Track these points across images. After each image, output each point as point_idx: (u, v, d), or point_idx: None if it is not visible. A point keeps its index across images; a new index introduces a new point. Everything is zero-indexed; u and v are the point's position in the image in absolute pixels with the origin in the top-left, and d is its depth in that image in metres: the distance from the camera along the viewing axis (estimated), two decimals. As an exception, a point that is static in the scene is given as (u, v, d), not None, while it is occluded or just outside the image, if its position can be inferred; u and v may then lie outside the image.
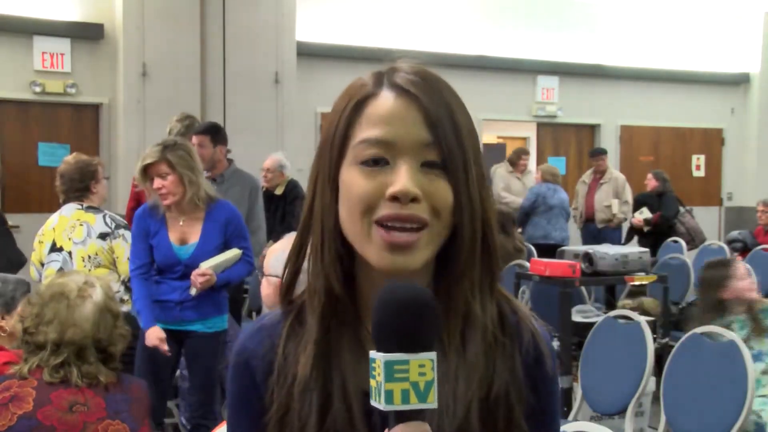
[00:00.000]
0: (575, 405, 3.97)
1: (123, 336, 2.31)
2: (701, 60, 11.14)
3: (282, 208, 5.90)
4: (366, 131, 0.92)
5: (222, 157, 4.69)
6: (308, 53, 8.58)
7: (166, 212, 3.53)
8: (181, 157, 3.46)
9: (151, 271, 3.56)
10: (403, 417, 0.83)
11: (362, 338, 0.95)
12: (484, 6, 9.95)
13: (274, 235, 5.14)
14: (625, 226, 8.56)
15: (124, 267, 3.87)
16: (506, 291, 1.02)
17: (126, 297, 3.90)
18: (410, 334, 0.83)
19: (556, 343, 4.39)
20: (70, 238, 3.89)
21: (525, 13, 10.13)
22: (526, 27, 10.14)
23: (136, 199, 4.55)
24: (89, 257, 3.87)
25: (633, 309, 4.46)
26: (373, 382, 0.85)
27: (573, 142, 10.88)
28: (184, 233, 3.54)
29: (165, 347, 3.41)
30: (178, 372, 3.94)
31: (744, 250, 7.57)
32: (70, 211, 3.96)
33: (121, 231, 3.93)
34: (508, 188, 8.39)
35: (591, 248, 4.89)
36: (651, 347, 3.58)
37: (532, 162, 9.52)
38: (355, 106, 0.94)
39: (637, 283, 4.93)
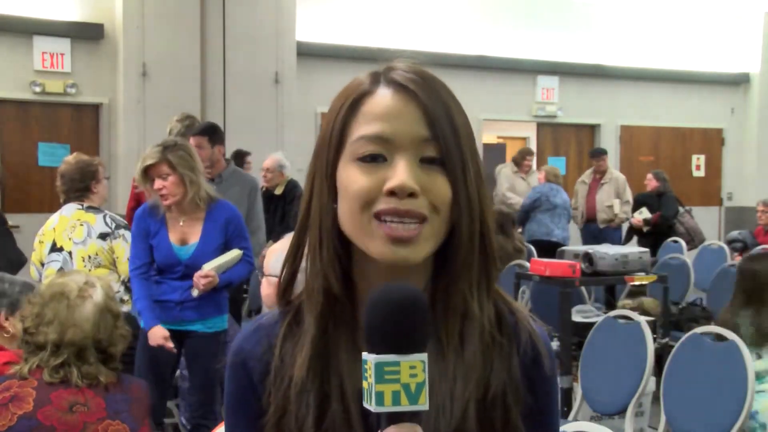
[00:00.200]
0: (575, 405, 3.97)
1: (123, 336, 2.31)
2: (701, 60, 11.14)
3: (282, 208, 5.90)
4: (363, 128, 0.92)
5: (220, 157, 4.69)
6: (308, 53, 8.58)
7: (166, 212, 3.53)
8: (181, 158, 3.46)
9: (150, 271, 3.56)
10: (395, 418, 0.83)
11: (359, 339, 0.94)
12: (484, 6, 9.95)
13: (273, 235, 5.14)
14: (625, 227, 8.57)
15: (124, 267, 3.87)
16: (504, 292, 1.02)
17: (126, 297, 3.90)
18: (401, 336, 0.83)
19: (555, 343, 4.39)
20: (70, 238, 3.89)
21: (525, 13, 10.13)
22: (526, 27, 10.15)
23: (136, 199, 4.55)
24: (89, 257, 3.87)
25: (633, 309, 4.46)
26: (365, 383, 0.84)
27: (573, 142, 10.88)
28: (185, 233, 3.54)
29: (170, 345, 3.43)
30: (178, 372, 3.94)
31: (744, 250, 7.56)
32: (70, 211, 3.96)
33: (122, 231, 3.93)
34: (513, 188, 8.38)
35: (591, 248, 4.89)
36: (651, 347, 3.58)
37: (533, 165, 9.52)
38: (351, 104, 0.94)
39: (637, 283, 4.92)
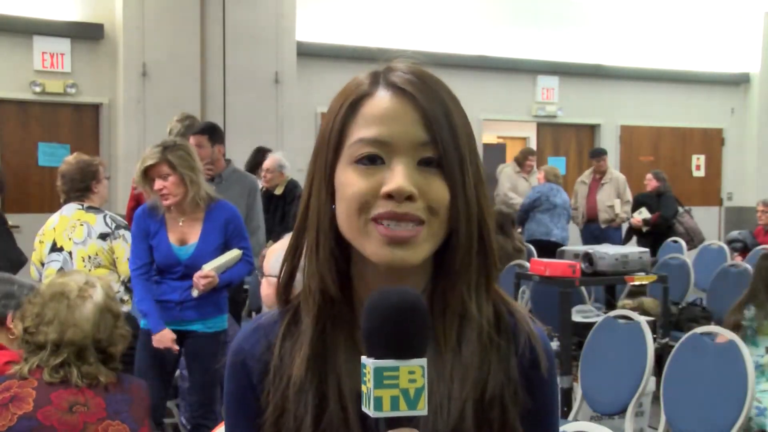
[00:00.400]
0: (575, 405, 3.97)
1: (123, 336, 2.31)
2: (701, 60, 11.14)
3: (281, 208, 5.90)
4: (362, 130, 0.92)
5: (220, 157, 4.70)
6: (308, 53, 8.58)
7: (166, 213, 3.53)
8: (181, 158, 3.46)
9: (152, 271, 3.57)
10: (393, 423, 0.83)
11: (357, 340, 0.94)
12: (484, 6, 9.95)
13: (273, 236, 5.13)
14: (625, 227, 8.57)
15: (124, 267, 3.88)
16: (503, 292, 1.02)
17: (126, 297, 3.90)
18: (400, 340, 0.83)
19: (556, 343, 4.39)
20: (70, 238, 3.89)
21: (525, 13, 10.13)
22: (526, 27, 10.15)
23: (136, 200, 4.55)
24: (89, 257, 3.87)
25: (633, 309, 4.46)
26: (363, 388, 0.84)
27: (573, 142, 10.88)
28: (184, 234, 3.54)
29: (176, 347, 3.47)
30: (178, 372, 3.94)
31: (744, 250, 7.57)
32: (70, 211, 3.96)
33: (122, 231, 3.93)
34: (515, 188, 8.38)
35: (591, 248, 4.89)
36: (651, 347, 3.58)
37: (535, 165, 9.52)
38: (350, 105, 0.94)
39: (637, 283, 4.93)
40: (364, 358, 0.84)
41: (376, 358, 0.83)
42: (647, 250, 5.05)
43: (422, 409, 0.82)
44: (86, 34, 7.85)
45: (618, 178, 8.46)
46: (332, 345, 0.96)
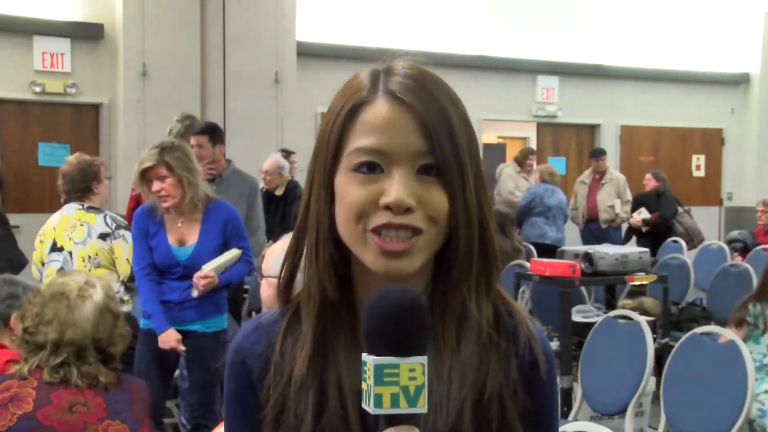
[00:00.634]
0: (575, 405, 3.97)
1: (123, 336, 2.31)
2: (701, 60, 11.14)
3: (282, 208, 5.90)
4: (360, 139, 0.92)
5: (221, 157, 4.69)
6: (308, 53, 8.58)
7: (164, 213, 3.53)
8: (179, 159, 3.45)
9: (155, 270, 3.57)
10: (393, 420, 0.83)
11: (358, 338, 0.94)
12: (484, 6, 9.96)
13: (273, 236, 5.14)
14: (625, 226, 8.57)
15: (124, 267, 3.88)
16: (505, 292, 1.02)
17: (126, 297, 3.90)
18: (401, 338, 0.83)
19: (555, 343, 4.39)
20: (70, 238, 3.89)
21: (525, 13, 10.14)
22: (526, 27, 10.15)
23: (136, 200, 4.55)
24: (89, 257, 3.87)
25: (633, 309, 4.46)
26: (364, 385, 0.84)
27: (573, 142, 10.88)
28: (183, 234, 3.54)
29: (182, 348, 3.47)
30: (178, 372, 3.94)
31: (744, 250, 7.57)
32: (71, 210, 3.97)
33: (122, 231, 3.93)
34: (518, 188, 8.37)
35: (591, 248, 4.89)
36: (651, 347, 3.58)
37: (534, 165, 9.52)
38: (349, 111, 0.93)
39: (637, 283, 4.93)
40: (364, 356, 0.85)
41: (377, 355, 0.83)
42: (647, 250, 5.05)
43: (422, 407, 0.83)
44: (86, 34, 7.85)
45: (618, 178, 8.46)
46: (333, 344, 0.96)
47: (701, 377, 3.33)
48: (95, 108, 8.05)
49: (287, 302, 1.02)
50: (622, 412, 3.56)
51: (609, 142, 10.72)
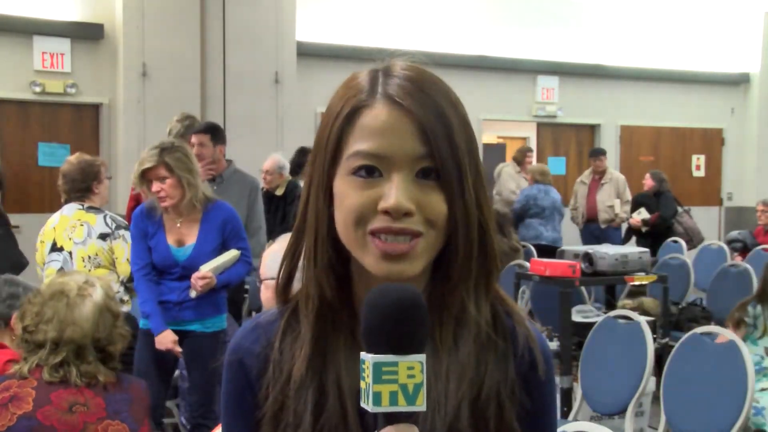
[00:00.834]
0: (575, 405, 3.97)
1: (122, 336, 2.31)
2: (701, 60, 11.14)
3: (282, 208, 5.89)
4: (359, 143, 0.92)
5: (221, 157, 4.69)
6: (308, 53, 8.58)
7: (164, 214, 3.53)
8: (178, 160, 3.45)
9: (154, 271, 3.57)
10: (392, 418, 0.83)
11: (357, 337, 0.94)
12: (484, 6, 9.95)
13: (274, 236, 5.13)
14: (624, 226, 8.57)
15: (123, 267, 3.88)
16: (503, 292, 1.02)
17: (126, 297, 3.90)
18: (399, 336, 0.84)
19: (555, 344, 4.39)
20: (70, 238, 3.89)
21: (525, 13, 10.14)
22: (526, 27, 10.15)
23: (136, 200, 4.55)
24: (89, 257, 3.87)
25: (633, 309, 4.46)
26: (362, 383, 0.85)
27: (573, 142, 10.88)
28: (182, 235, 3.54)
29: (178, 349, 3.48)
30: (177, 372, 3.94)
31: (744, 250, 7.57)
32: (71, 210, 3.97)
33: (121, 232, 3.94)
34: (519, 188, 8.36)
35: (591, 248, 4.89)
36: (651, 347, 3.58)
37: (534, 163, 9.52)
38: (348, 114, 0.93)
39: (637, 283, 4.93)
40: (363, 354, 0.85)
41: (376, 354, 0.83)
42: (647, 250, 5.06)
43: (421, 405, 0.83)
44: (86, 34, 7.85)
45: (618, 179, 8.46)
46: (332, 344, 0.97)
47: (701, 377, 3.33)
48: (95, 108, 8.04)
49: (286, 302, 1.02)
50: (622, 412, 3.56)
51: (609, 142, 10.72)
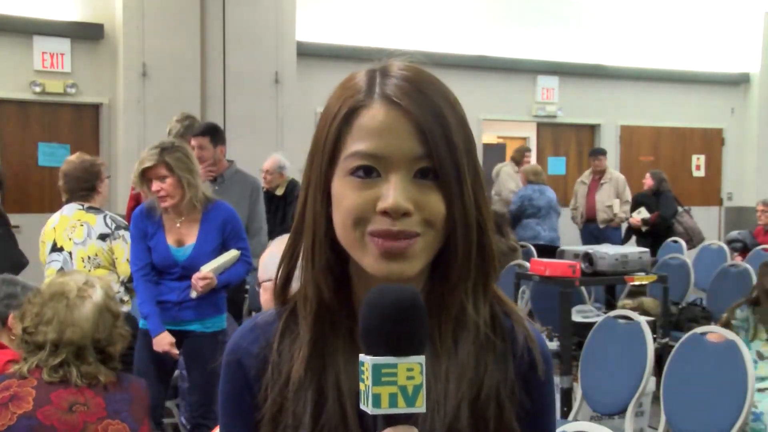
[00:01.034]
0: (575, 405, 3.97)
1: (122, 336, 2.31)
2: (701, 60, 11.14)
3: (282, 209, 5.89)
4: (357, 143, 0.91)
5: (222, 158, 4.69)
6: (308, 53, 8.58)
7: (163, 214, 3.53)
8: (179, 159, 3.45)
9: (153, 271, 3.57)
10: (392, 420, 0.83)
11: (356, 338, 0.94)
12: (484, 6, 9.95)
13: (274, 236, 5.13)
14: (624, 226, 8.56)
15: (123, 268, 3.88)
16: (502, 293, 1.02)
17: (126, 298, 3.90)
18: (399, 337, 0.83)
19: (555, 343, 4.39)
20: (70, 239, 3.89)
21: (525, 13, 10.13)
22: (526, 27, 10.15)
23: (136, 200, 4.55)
24: (89, 258, 3.87)
25: (633, 309, 4.46)
26: (362, 386, 0.84)
27: (573, 142, 10.88)
28: (181, 235, 3.54)
29: (175, 351, 3.48)
30: (177, 372, 3.94)
31: (744, 250, 7.57)
32: (71, 211, 3.97)
33: (121, 232, 3.94)
34: (519, 187, 8.36)
35: (591, 248, 4.89)
36: (651, 347, 3.58)
37: (532, 162, 9.52)
38: (345, 115, 0.93)
39: (637, 283, 4.93)
40: (362, 356, 0.84)
41: (375, 355, 0.83)
42: (647, 250, 5.05)
43: (420, 407, 0.83)
44: (86, 34, 7.85)
45: (617, 178, 8.45)
46: (331, 345, 0.96)
47: (701, 377, 3.33)
48: (95, 108, 8.04)
49: (284, 303, 1.02)
50: (622, 412, 3.56)
51: (609, 142, 10.71)
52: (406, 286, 0.87)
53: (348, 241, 0.93)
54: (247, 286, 5.48)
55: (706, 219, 10.26)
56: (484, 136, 10.49)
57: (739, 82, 11.47)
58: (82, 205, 3.97)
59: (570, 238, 8.40)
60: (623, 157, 10.93)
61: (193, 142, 4.49)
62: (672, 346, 3.73)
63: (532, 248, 7.05)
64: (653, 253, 6.87)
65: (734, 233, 8.02)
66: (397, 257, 0.90)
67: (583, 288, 5.36)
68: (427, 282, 0.97)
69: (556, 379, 4.15)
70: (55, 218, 4.01)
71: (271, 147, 7.04)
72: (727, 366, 3.24)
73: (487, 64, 9.79)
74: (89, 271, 3.79)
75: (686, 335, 3.51)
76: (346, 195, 0.91)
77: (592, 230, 8.33)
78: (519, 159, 8.57)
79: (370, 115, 0.92)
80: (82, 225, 3.90)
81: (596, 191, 8.43)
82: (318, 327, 0.96)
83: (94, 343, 2.22)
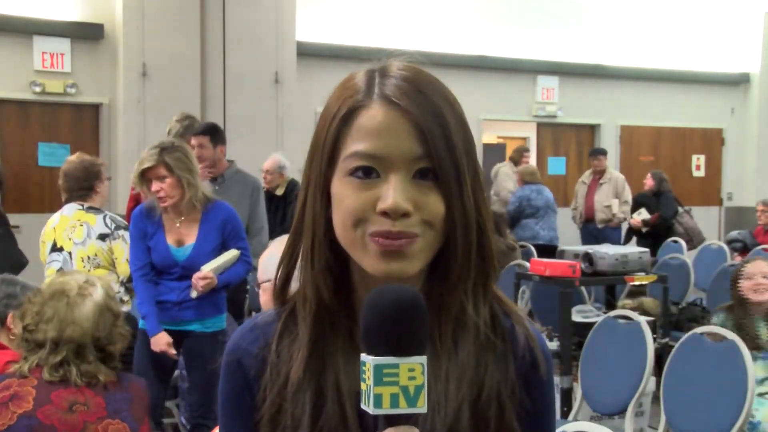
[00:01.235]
0: (575, 405, 3.96)
1: (122, 335, 2.31)
2: (701, 60, 11.14)
3: (282, 208, 5.89)
4: (356, 144, 0.91)
5: (222, 157, 4.69)
6: (308, 53, 8.58)
7: (163, 214, 3.53)
8: (178, 159, 3.45)
9: (152, 271, 3.57)
10: (393, 420, 0.83)
11: (357, 339, 0.94)
12: (484, 6, 9.95)
13: (274, 236, 5.13)
14: (625, 226, 8.56)
15: (123, 268, 3.88)
16: (501, 293, 1.02)
17: (126, 298, 3.90)
18: (400, 338, 0.83)
19: (555, 343, 4.39)
20: (70, 239, 3.89)
21: (525, 13, 10.13)
22: (526, 27, 10.15)
23: (136, 200, 4.55)
24: (89, 258, 3.87)
25: (633, 309, 4.46)
26: (363, 386, 0.84)
27: (573, 142, 10.88)
28: (181, 235, 3.54)
29: (173, 351, 3.47)
30: (177, 372, 3.94)
31: (744, 250, 7.57)
32: (71, 211, 3.97)
33: (121, 232, 3.94)
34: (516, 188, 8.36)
35: (591, 248, 4.89)
36: (651, 347, 3.58)
37: (532, 162, 9.53)
38: (344, 115, 0.93)
39: (637, 283, 4.93)
40: (363, 356, 0.84)
41: (376, 355, 0.83)
42: (647, 250, 5.05)
43: (422, 407, 0.83)
44: (86, 34, 7.85)
45: (617, 179, 8.45)
46: (331, 346, 0.96)
47: (701, 377, 3.33)
48: (95, 108, 8.04)
49: (284, 303, 1.02)
50: (622, 412, 3.56)
51: (609, 142, 10.72)
52: (407, 286, 0.87)
53: (348, 242, 0.93)
54: (248, 286, 5.48)
55: (706, 219, 10.26)
56: (484, 136, 10.49)
57: (739, 82, 11.47)
58: (82, 205, 3.98)
59: (569, 238, 8.40)
60: (623, 157, 10.93)
61: (193, 141, 4.49)
62: (672, 346, 3.73)
63: (532, 248, 7.05)
64: (653, 253, 6.87)
65: (734, 233, 8.02)
66: (397, 257, 0.90)
67: (583, 288, 5.36)
68: (426, 282, 0.97)
69: (556, 379, 4.15)
70: (55, 218, 4.01)
71: (271, 147, 7.04)
72: (727, 366, 3.24)
73: (487, 64, 9.79)
74: (89, 271, 3.79)
75: (686, 335, 3.51)
76: (345, 195, 0.91)
77: (592, 230, 8.33)
78: (517, 159, 8.57)
79: (369, 115, 0.92)
80: (81, 225, 3.90)
81: (595, 191, 8.43)
82: (317, 328, 0.96)
83: (94, 342, 2.22)
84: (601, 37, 10.59)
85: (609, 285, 5.54)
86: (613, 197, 8.31)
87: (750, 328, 3.78)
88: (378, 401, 0.82)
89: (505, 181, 8.44)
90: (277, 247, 1.72)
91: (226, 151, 4.82)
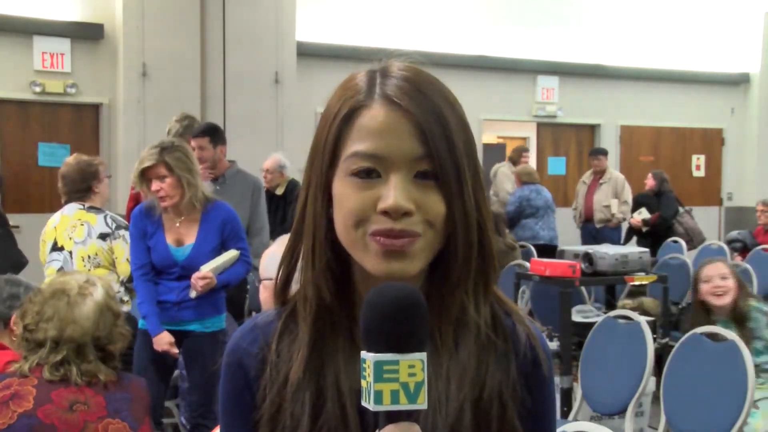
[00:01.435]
0: (575, 405, 3.97)
1: (123, 335, 2.31)
2: (701, 60, 11.14)
3: (282, 208, 5.89)
4: (357, 144, 0.91)
5: (222, 158, 4.68)
6: (308, 53, 8.58)
7: (163, 213, 3.53)
8: (178, 159, 3.45)
9: (152, 271, 3.57)
10: (393, 417, 0.83)
11: (357, 338, 0.94)
12: (484, 6, 9.95)
13: (274, 236, 5.13)
14: (625, 226, 8.56)
15: (123, 267, 3.88)
16: (502, 293, 1.02)
17: (126, 298, 3.90)
18: (400, 334, 0.84)
19: (555, 343, 4.39)
20: (71, 238, 3.89)
21: (525, 13, 10.14)
22: (526, 27, 10.15)
23: (136, 200, 4.54)
24: (89, 257, 3.87)
25: (633, 309, 4.46)
26: (363, 383, 0.84)
27: (573, 142, 10.88)
28: (181, 234, 3.54)
29: (175, 350, 3.48)
30: (177, 372, 3.94)
31: (744, 250, 7.57)
32: (71, 210, 3.97)
33: (121, 232, 3.94)
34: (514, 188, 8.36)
35: (591, 248, 4.89)
36: (651, 347, 3.58)
37: (532, 162, 9.53)
38: (345, 115, 0.93)
39: (637, 283, 4.93)
40: (363, 353, 0.85)
41: (376, 352, 0.83)
42: (647, 250, 5.05)
43: (422, 403, 0.83)
44: (86, 34, 7.85)
45: (617, 179, 8.44)
46: (331, 345, 0.97)
47: (701, 377, 3.33)
48: (95, 108, 8.05)
49: (284, 303, 1.02)
50: (622, 412, 3.56)
51: (609, 142, 10.72)
52: (407, 285, 0.87)
53: (349, 242, 0.93)
54: (248, 286, 5.48)
55: (706, 219, 10.26)
56: (484, 136, 10.49)
57: (739, 82, 11.47)
58: (83, 205, 3.98)
59: (570, 238, 8.41)
60: (623, 157, 10.93)
61: (193, 143, 4.48)
62: (672, 346, 3.73)
63: (532, 248, 7.05)
64: (653, 253, 6.87)
65: (734, 233, 8.02)
66: (398, 256, 0.90)
67: (583, 288, 5.36)
68: (426, 282, 0.97)
69: (556, 379, 4.15)
70: (55, 218, 4.01)
71: (271, 147, 7.05)
72: (727, 366, 3.24)
73: (487, 64, 9.79)
74: (89, 270, 3.79)
75: (686, 335, 3.51)
76: (346, 195, 0.91)
77: (591, 230, 8.33)
78: (516, 159, 8.57)
79: (370, 115, 0.92)
80: (82, 224, 3.90)
81: (595, 191, 8.43)
82: (318, 327, 0.96)
83: (94, 341, 2.23)
84: (601, 37, 10.59)
85: (609, 285, 5.53)
86: (613, 197, 8.31)
87: None
88: (378, 398, 0.82)
89: (503, 181, 8.44)
90: (280, 246, 1.72)
91: (227, 151, 4.82)
